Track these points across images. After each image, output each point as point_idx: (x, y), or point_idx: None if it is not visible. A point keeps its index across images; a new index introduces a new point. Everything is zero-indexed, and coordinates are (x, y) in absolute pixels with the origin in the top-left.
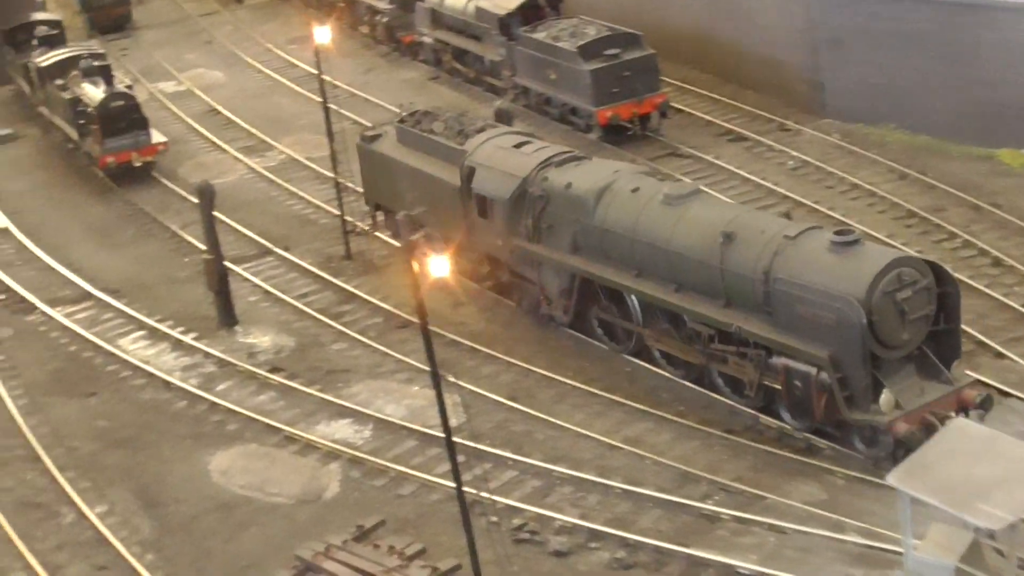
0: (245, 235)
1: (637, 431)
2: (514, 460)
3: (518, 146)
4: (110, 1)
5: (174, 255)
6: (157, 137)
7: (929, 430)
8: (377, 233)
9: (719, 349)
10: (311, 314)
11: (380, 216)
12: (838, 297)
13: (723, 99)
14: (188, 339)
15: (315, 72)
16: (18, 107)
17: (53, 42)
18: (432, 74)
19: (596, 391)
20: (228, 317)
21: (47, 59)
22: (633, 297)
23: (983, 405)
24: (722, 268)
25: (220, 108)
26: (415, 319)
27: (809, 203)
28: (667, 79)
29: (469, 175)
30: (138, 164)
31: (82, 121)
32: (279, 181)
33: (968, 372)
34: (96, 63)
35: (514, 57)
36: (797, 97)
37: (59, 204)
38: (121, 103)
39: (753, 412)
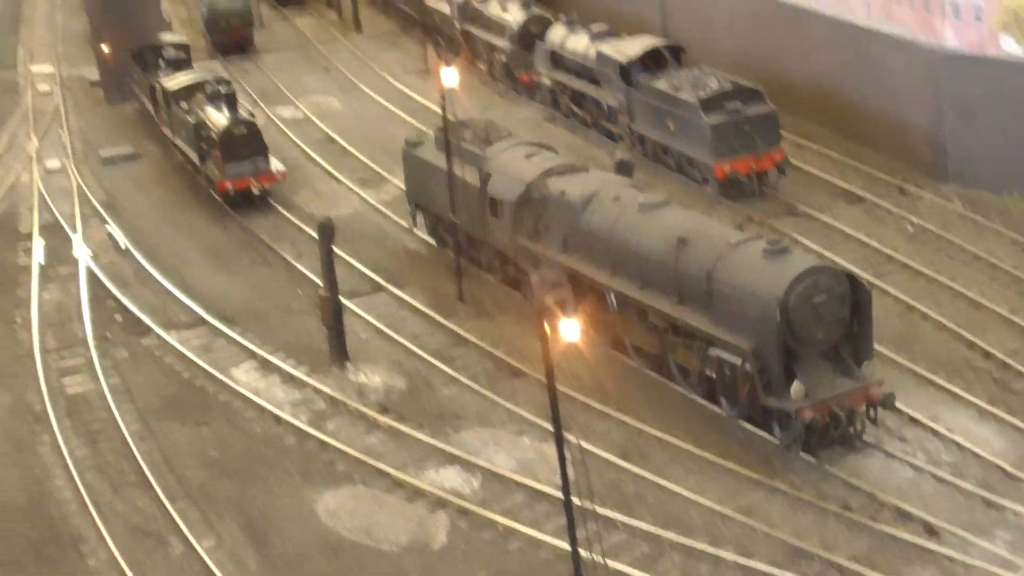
0: (358, 269)
1: (750, 500)
2: (624, 522)
3: (529, 156)
4: (234, 24)
5: (288, 285)
6: (276, 165)
7: (835, 419)
8: (415, 231)
9: (671, 340)
10: (422, 356)
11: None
12: (760, 296)
13: (842, 157)
14: (299, 373)
15: (432, 106)
16: (141, 126)
17: (180, 64)
18: (548, 115)
19: (709, 456)
20: (340, 353)
21: (174, 82)
22: (611, 293)
23: (885, 403)
24: (676, 268)
25: (337, 137)
26: (526, 368)
27: (928, 271)
28: (786, 132)
29: (486, 178)
30: (256, 191)
31: (204, 145)
32: (393, 216)
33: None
34: (222, 89)
35: (633, 104)
36: (918, 160)
37: (177, 225)
38: (244, 130)
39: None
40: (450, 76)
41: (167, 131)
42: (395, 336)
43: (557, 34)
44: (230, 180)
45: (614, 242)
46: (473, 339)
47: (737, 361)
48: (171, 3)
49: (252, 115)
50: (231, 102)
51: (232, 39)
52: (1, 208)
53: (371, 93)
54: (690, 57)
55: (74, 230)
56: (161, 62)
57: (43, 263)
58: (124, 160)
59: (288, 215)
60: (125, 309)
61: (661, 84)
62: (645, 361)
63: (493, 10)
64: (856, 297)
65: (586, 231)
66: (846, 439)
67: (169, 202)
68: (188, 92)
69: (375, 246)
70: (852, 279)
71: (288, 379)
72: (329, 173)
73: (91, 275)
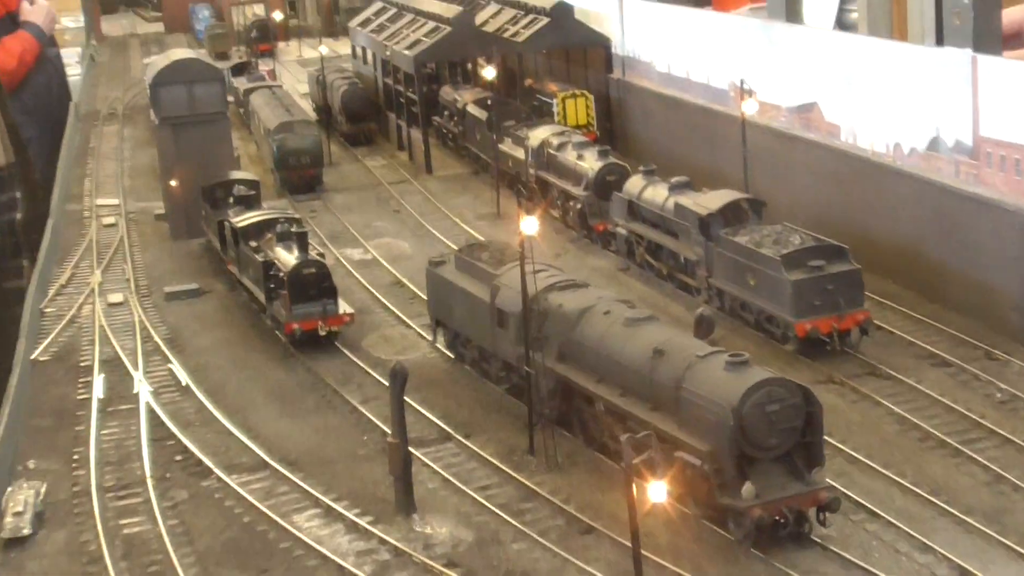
0: (426, 417)
1: None
2: None
3: (536, 272)
4: (303, 162)
5: (353, 430)
6: (344, 307)
7: (782, 519)
8: (438, 345)
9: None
10: (491, 508)
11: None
12: (718, 404)
13: (926, 319)
14: (364, 522)
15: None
16: (207, 262)
17: (249, 202)
18: (623, 265)
19: None
20: (407, 503)
21: (244, 219)
22: (599, 401)
23: (830, 506)
24: (651, 378)
25: (406, 281)
26: (599, 524)
27: (1018, 440)
28: (869, 292)
29: (495, 293)
30: (323, 333)
31: (272, 285)
32: (464, 364)
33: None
34: (292, 228)
35: (712, 258)
36: (1006, 325)
37: (241, 365)
38: (313, 271)
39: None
40: (530, 225)
41: (234, 269)
42: (463, 487)
43: (635, 184)
44: (297, 321)
45: (601, 352)
46: (544, 493)
47: (697, 463)
48: (241, 140)
49: (322, 255)
50: (301, 242)
51: (301, 178)
52: (62, 341)
53: (441, 237)
54: (771, 212)
55: (135, 366)
56: (231, 199)
57: (103, 398)
58: (188, 296)
59: (355, 359)
60: (185, 449)
61: (742, 239)
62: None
63: (569, 157)
64: (809, 408)
65: (579, 342)
66: (797, 538)
67: (233, 341)
68: (257, 230)
69: (443, 394)
70: (805, 391)
71: (352, 528)
72: (398, 317)
73: (151, 413)
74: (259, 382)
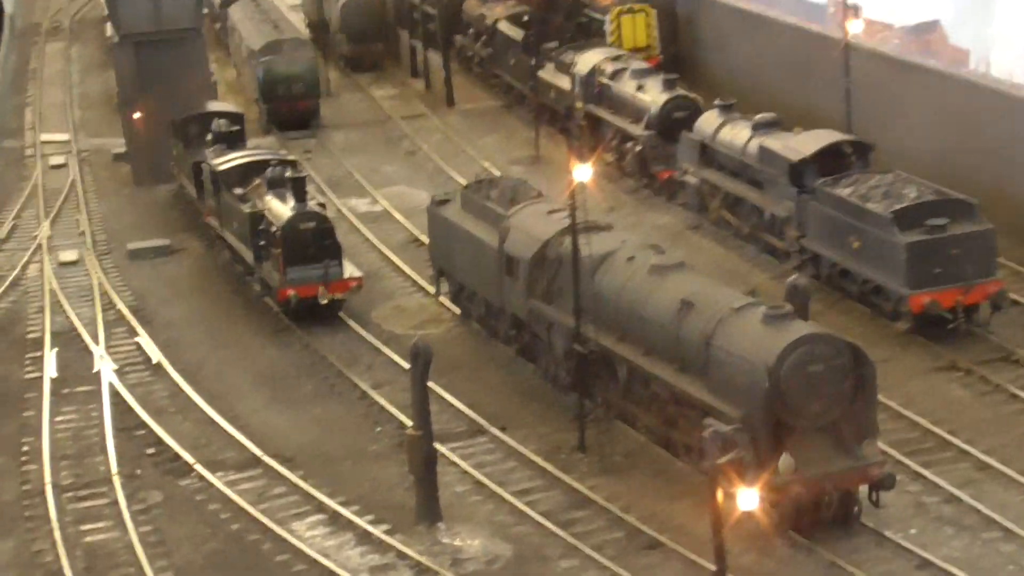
0: (452, 405)
1: None
2: None
3: (550, 213)
4: (296, 91)
5: (363, 421)
6: (350, 270)
7: (824, 497)
8: (441, 299)
9: (673, 412)
10: (533, 517)
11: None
12: (751, 363)
13: None
14: (379, 532)
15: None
16: (178, 213)
17: (231, 140)
18: (693, 222)
19: None
20: (430, 510)
21: (226, 161)
22: (621, 362)
23: (883, 484)
24: (678, 334)
25: (424, 239)
26: (666, 539)
27: None
28: (1003, 258)
29: (503, 236)
30: (324, 301)
31: (262, 242)
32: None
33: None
34: (288, 173)
35: (805, 214)
36: None
37: (223, 341)
38: (312, 225)
39: None
40: (584, 172)
41: (213, 221)
42: (499, 491)
43: (709, 122)
44: (292, 286)
45: (622, 305)
46: (598, 499)
47: (728, 431)
48: (216, 63)
49: (323, 206)
50: (298, 189)
51: (293, 111)
52: (4, 308)
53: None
54: (880, 158)
55: (95, 339)
56: (209, 136)
57: (56, 378)
58: (157, 255)
59: (363, 333)
60: (159, 441)
61: (843, 191)
62: (652, 436)
63: (627, 88)
64: (859, 370)
65: (596, 294)
66: (843, 521)
67: (214, 310)
68: (243, 175)
69: (472, 377)
70: (855, 350)
71: (364, 539)
72: (415, 283)
73: (116, 397)
74: (246, 361)
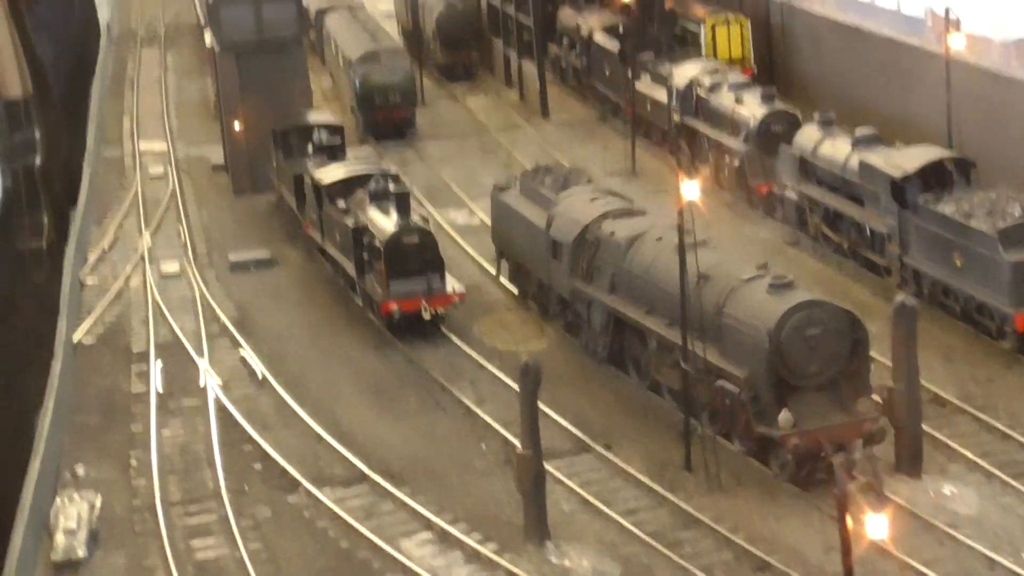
0: (557, 422)
1: None
2: None
3: (593, 200)
4: (393, 101)
5: (468, 436)
6: (453, 285)
7: (820, 449)
8: (502, 279)
9: (693, 377)
10: (641, 537)
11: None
12: (755, 327)
13: None
14: (487, 551)
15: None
16: (278, 224)
17: (333, 151)
18: (792, 237)
19: None
20: (539, 529)
21: (329, 174)
22: (651, 334)
23: (874, 438)
24: (696, 304)
25: None
26: (775, 560)
27: None
28: None
29: (550, 221)
30: (427, 316)
31: (365, 255)
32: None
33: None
34: (392, 187)
35: (907, 231)
36: None
37: (326, 353)
38: (416, 240)
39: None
40: (691, 190)
41: (314, 234)
42: (606, 510)
43: (808, 137)
44: (395, 300)
45: (650, 281)
46: (705, 519)
47: (735, 391)
48: (312, 73)
49: (426, 220)
50: (401, 203)
51: (389, 120)
52: (109, 318)
53: None
54: (984, 174)
55: (200, 352)
56: (309, 147)
57: (162, 391)
58: (258, 266)
59: (466, 348)
60: (266, 456)
61: (946, 207)
62: (677, 402)
63: (725, 101)
64: (855, 335)
65: (629, 271)
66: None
67: (316, 323)
68: (346, 187)
69: (576, 393)
70: (851, 316)
71: (473, 557)
72: (516, 298)
73: (222, 410)
74: (349, 374)
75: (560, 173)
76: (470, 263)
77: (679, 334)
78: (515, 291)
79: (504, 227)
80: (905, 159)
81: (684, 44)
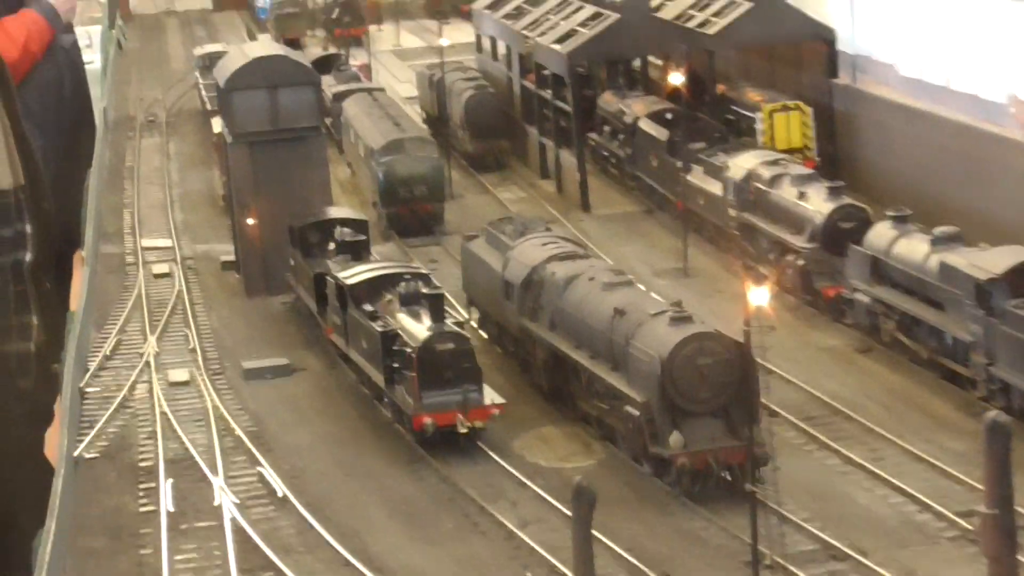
0: (610, 548)
1: None
2: None
3: (544, 244)
4: (419, 195)
5: (510, 564)
6: (491, 396)
7: (707, 469)
8: (472, 323)
9: (610, 406)
10: None
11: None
12: (651, 356)
13: None
14: None
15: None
16: (295, 328)
17: (356, 250)
18: (863, 345)
19: None
20: None
21: (354, 274)
22: (583, 369)
23: (757, 461)
24: (611, 337)
25: None
26: None
27: None
28: None
29: (505, 265)
30: (464, 430)
31: (395, 363)
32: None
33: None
34: (424, 288)
35: (993, 338)
36: None
37: (351, 470)
38: (451, 346)
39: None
40: (760, 296)
41: (337, 339)
42: None
43: (881, 235)
44: (429, 413)
45: (579, 317)
46: None
47: (636, 414)
48: (329, 163)
49: (461, 326)
50: (435, 306)
51: (415, 215)
52: (112, 431)
53: None
54: None
55: (213, 469)
56: (331, 245)
57: (173, 511)
58: (275, 375)
59: (505, 465)
60: None
61: None
62: (600, 431)
63: (786, 195)
64: (745, 365)
65: (563, 308)
66: (729, 489)
67: (341, 437)
68: (373, 289)
69: (630, 515)
70: (742, 348)
71: None
72: (559, 410)
73: (239, 532)
74: (378, 494)
75: (520, 222)
76: (507, 370)
77: (601, 366)
78: (485, 336)
79: (471, 274)
80: (990, 260)
81: (739, 133)
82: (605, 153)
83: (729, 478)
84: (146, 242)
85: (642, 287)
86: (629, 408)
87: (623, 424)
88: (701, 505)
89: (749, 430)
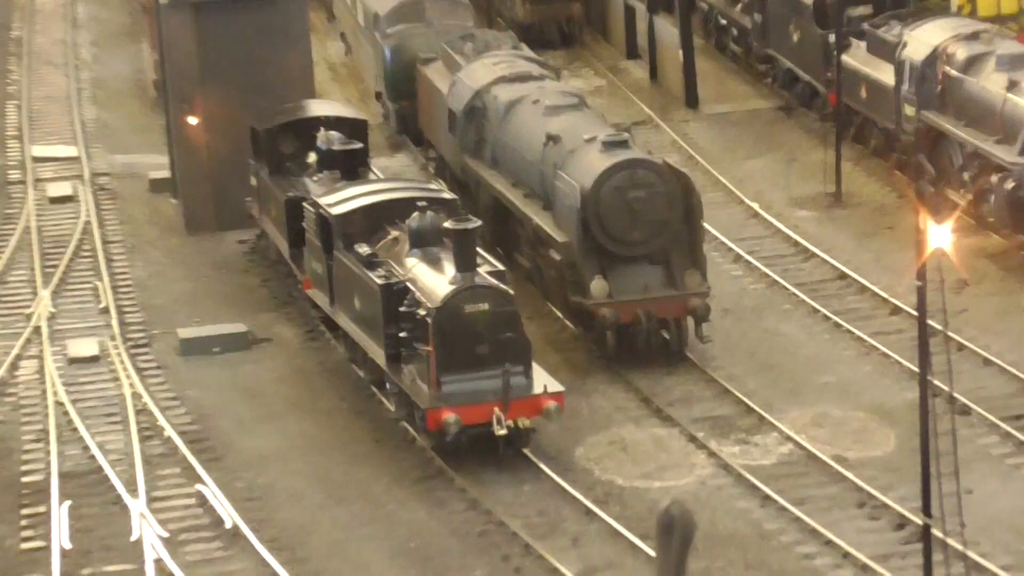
0: None
1: None
2: None
3: (497, 63)
4: None
5: None
6: (544, 381)
7: (636, 322)
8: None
9: (540, 252)
10: None
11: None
12: (574, 188)
13: None
14: None
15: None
16: (259, 278)
17: (349, 164)
18: None
19: None
20: None
21: (343, 199)
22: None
23: (696, 314)
24: (541, 169)
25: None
26: None
27: None
28: None
29: (450, 89)
30: (503, 431)
31: (402, 331)
32: (779, 500)
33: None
34: (444, 220)
35: None
36: None
37: (339, 493)
38: (485, 307)
39: None
40: (941, 236)
41: (319, 296)
42: None
43: None
44: (451, 406)
45: (516, 148)
46: None
47: (557, 257)
48: (316, 36)
49: (503, 275)
50: (463, 248)
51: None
52: None
53: (720, 236)
54: None
55: (132, 487)
56: (312, 157)
57: (70, 549)
58: (227, 348)
59: (564, 483)
60: None
61: None
62: (541, 290)
63: (991, 85)
64: (688, 201)
65: (503, 139)
66: (663, 350)
67: (321, 441)
68: (372, 221)
69: (740, 556)
70: (684, 179)
71: None
72: (645, 400)
73: None
74: (377, 527)
75: (485, 38)
76: (569, 345)
77: (533, 206)
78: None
79: (424, 105)
80: None
81: None
82: (723, 22)
83: (667, 337)
84: (39, 150)
85: (593, 109)
86: (552, 252)
87: (547, 273)
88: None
89: (681, 278)
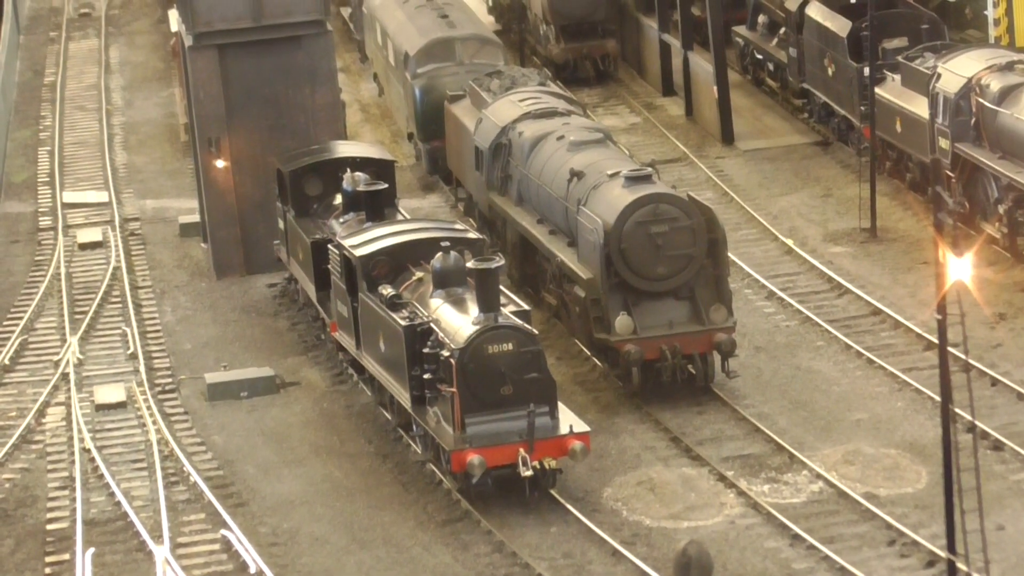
0: None
1: None
2: None
3: (523, 100)
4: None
5: None
6: (570, 421)
7: (661, 358)
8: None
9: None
10: None
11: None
12: (597, 224)
13: None
14: None
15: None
16: (287, 322)
17: (376, 205)
18: None
19: None
20: None
21: (368, 241)
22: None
23: (721, 349)
24: (565, 205)
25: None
26: None
27: None
28: None
29: (476, 126)
30: (529, 473)
31: (426, 373)
32: (809, 540)
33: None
34: (471, 260)
35: None
36: None
37: (362, 536)
38: (509, 347)
39: None
40: (961, 268)
41: (345, 339)
42: None
43: None
44: (476, 448)
45: (541, 185)
46: None
47: (581, 294)
48: (345, 74)
49: (527, 314)
50: (487, 289)
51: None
52: (7, 478)
53: (753, 272)
54: None
55: (157, 534)
56: (338, 199)
57: None
58: (253, 393)
59: (592, 525)
60: None
61: None
62: (570, 326)
63: None
64: (711, 235)
65: (528, 176)
66: (689, 386)
67: (347, 486)
68: (395, 263)
69: None
70: (708, 213)
71: None
72: (674, 439)
73: None
74: (401, 570)
75: (512, 74)
76: (595, 385)
77: (558, 243)
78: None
79: (453, 143)
80: None
81: (958, 23)
82: (759, 56)
83: (693, 372)
84: (70, 196)
85: (619, 146)
86: (577, 289)
87: (572, 310)
88: None
89: (706, 312)
